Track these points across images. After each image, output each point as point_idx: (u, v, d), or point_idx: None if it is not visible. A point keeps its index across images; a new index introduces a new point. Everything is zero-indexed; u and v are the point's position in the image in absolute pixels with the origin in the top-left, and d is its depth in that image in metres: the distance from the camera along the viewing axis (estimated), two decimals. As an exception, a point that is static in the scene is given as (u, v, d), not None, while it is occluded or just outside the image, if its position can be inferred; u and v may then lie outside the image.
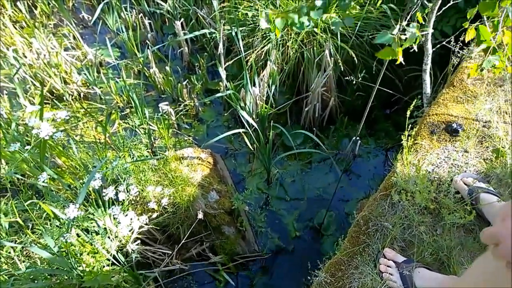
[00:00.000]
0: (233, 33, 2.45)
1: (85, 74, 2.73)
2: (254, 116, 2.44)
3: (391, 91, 2.43)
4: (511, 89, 1.79)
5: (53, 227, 1.45)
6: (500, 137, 1.58)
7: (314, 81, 2.37)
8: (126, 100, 2.77)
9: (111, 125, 2.64)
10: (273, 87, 2.44)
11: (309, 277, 1.41)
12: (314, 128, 2.63)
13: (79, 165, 1.82)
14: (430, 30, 1.70)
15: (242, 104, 2.40)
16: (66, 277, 1.39)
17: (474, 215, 1.23)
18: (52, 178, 1.55)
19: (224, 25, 2.65)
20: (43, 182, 1.40)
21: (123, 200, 1.49)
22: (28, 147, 1.54)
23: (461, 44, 1.77)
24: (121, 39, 3.00)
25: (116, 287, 1.53)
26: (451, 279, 1.16)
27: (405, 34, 1.24)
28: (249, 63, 2.45)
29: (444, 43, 1.87)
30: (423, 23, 1.41)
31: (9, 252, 1.38)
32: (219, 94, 2.48)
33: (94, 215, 1.51)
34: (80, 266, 1.42)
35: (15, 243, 1.41)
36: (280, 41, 2.46)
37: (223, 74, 2.48)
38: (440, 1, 1.60)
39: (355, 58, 2.30)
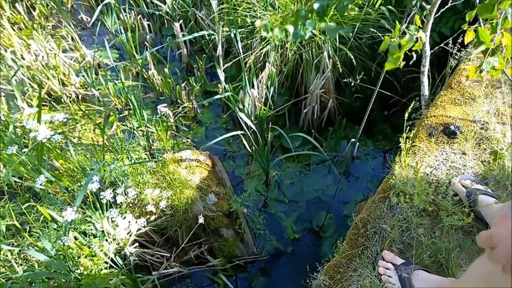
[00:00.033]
0: (232, 35, 2.45)
1: (83, 76, 2.73)
2: (252, 118, 2.44)
3: (389, 93, 2.43)
4: (509, 91, 1.79)
5: (51, 230, 1.44)
6: (498, 139, 1.58)
7: (313, 83, 2.37)
8: (125, 102, 2.77)
9: (109, 127, 2.64)
10: (272, 89, 2.44)
11: (308, 280, 1.41)
12: (312, 130, 2.63)
13: (76, 168, 1.81)
14: (428, 32, 1.70)
15: (241, 106, 2.39)
16: (63, 280, 1.38)
17: (473, 217, 1.23)
18: (49, 180, 1.55)
19: (223, 26, 2.65)
20: (41, 184, 1.39)
21: (121, 202, 1.48)
22: (25, 149, 1.53)
23: (459, 46, 1.77)
24: (119, 40, 2.99)
25: (114, 290, 1.52)
26: (450, 281, 1.16)
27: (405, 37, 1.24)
28: (247, 65, 2.45)
29: (442, 45, 1.87)
30: (421, 26, 1.41)
31: (7, 255, 1.37)
32: (217, 96, 2.48)
33: (92, 218, 1.51)
34: (77, 269, 1.42)
35: (12, 246, 1.40)
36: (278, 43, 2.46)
37: (221, 76, 2.48)
38: (438, 3, 1.60)
39: (354, 60, 2.31)
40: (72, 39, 3.11)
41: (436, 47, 1.92)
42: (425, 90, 1.98)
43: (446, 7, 1.66)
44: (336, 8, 1.29)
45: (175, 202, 1.81)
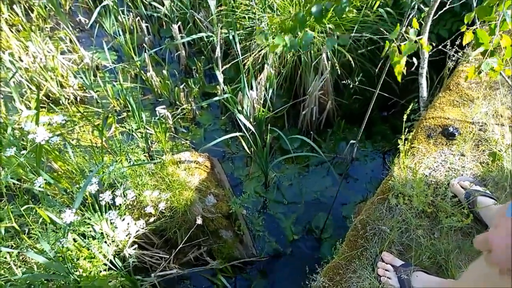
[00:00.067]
0: (231, 37, 2.45)
1: (81, 77, 2.72)
2: (251, 120, 2.44)
3: (388, 95, 2.44)
4: (507, 93, 1.80)
5: (50, 232, 1.44)
6: (497, 141, 1.59)
7: (311, 85, 2.38)
8: (123, 103, 2.77)
9: (108, 129, 2.63)
10: (271, 91, 2.44)
11: (307, 281, 1.41)
12: (311, 132, 2.64)
13: (75, 170, 1.81)
14: (427, 34, 1.71)
15: (240, 108, 2.40)
16: (62, 282, 1.38)
17: (472, 219, 1.23)
18: (48, 182, 1.54)
19: (221, 28, 2.65)
20: (39, 186, 1.39)
21: (120, 204, 1.48)
22: (24, 151, 1.53)
23: (457, 48, 1.78)
24: (118, 42, 2.99)
25: (113, 292, 1.52)
26: (449, 282, 1.16)
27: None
28: (246, 67, 2.45)
29: (440, 46, 1.88)
30: (419, 29, 1.42)
31: (5, 257, 1.37)
32: (216, 98, 2.48)
33: (90, 219, 1.50)
34: (76, 271, 1.41)
35: (11, 248, 1.40)
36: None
37: (220, 77, 2.49)
38: (436, 5, 1.61)
39: (352, 62, 2.31)
40: (70, 41, 3.11)
41: (434, 49, 1.93)
42: (424, 91, 1.99)
43: (444, 9, 1.66)
44: (334, 11, 1.29)
45: (174, 203, 1.81)
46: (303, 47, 1.41)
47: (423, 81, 1.96)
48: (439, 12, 1.67)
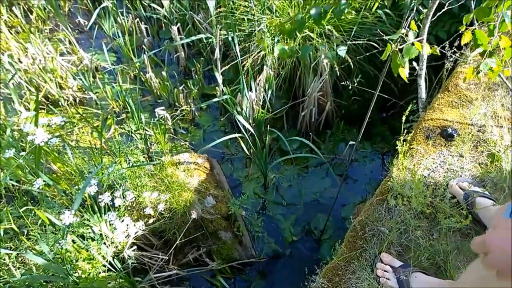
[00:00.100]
0: (230, 38, 2.46)
1: (80, 79, 2.72)
2: (250, 121, 2.44)
3: (387, 96, 2.44)
4: (506, 94, 1.81)
5: (49, 233, 1.44)
6: (495, 142, 1.59)
7: (310, 86, 2.38)
8: (122, 105, 2.77)
9: (107, 131, 2.63)
10: (270, 92, 2.45)
11: (306, 282, 1.41)
12: (310, 133, 2.64)
13: (74, 171, 1.81)
14: (425, 36, 1.71)
15: (239, 109, 2.40)
16: (61, 284, 1.38)
17: (470, 220, 1.23)
18: (47, 184, 1.54)
19: (220, 30, 2.66)
20: (38, 188, 1.39)
21: (119, 206, 1.48)
22: (23, 153, 1.53)
23: (455, 49, 1.79)
24: (117, 44, 2.99)
25: (112, 293, 1.52)
26: (448, 283, 1.16)
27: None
28: (245, 68, 2.46)
29: (439, 48, 1.88)
30: (417, 30, 1.43)
31: (4, 259, 1.36)
32: (215, 99, 2.48)
33: (90, 221, 1.50)
34: (75, 272, 1.41)
35: (10, 249, 1.39)
36: (276, 45, 2.46)
37: (219, 79, 2.49)
38: (435, 7, 1.61)
39: (351, 63, 2.32)
40: (70, 42, 3.11)
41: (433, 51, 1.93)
42: (423, 93, 2.00)
43: (443, 10, 1.67)
44: (333, 12, 1.30)
45: (173, 205, 1.81)
46: (302, 58, 1.44)
47: (422, 83, 1.96)
48: (438, 14, 1.68)
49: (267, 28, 2.48)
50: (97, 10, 2.97)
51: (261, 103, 2.43)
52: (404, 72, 1.35)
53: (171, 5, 3.05)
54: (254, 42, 2.56)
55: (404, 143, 1.44)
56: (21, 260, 1.47)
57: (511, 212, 0.67)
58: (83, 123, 2.64)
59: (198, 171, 2.05)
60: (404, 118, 1.42)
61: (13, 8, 3.09)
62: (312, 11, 1.28)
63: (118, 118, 2.74)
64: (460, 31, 1.34)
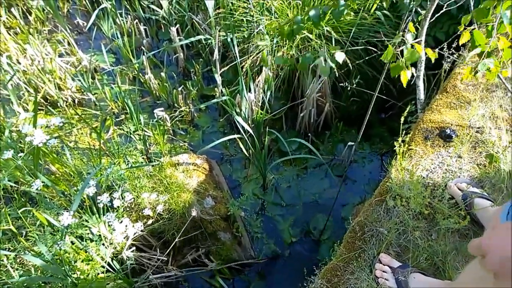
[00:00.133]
0: (229, 39, 2.46)
1: (79, 80, 2.72)
2: (249, 122, 2.44)
3: (385, 97, 2.45)
4: (504, 95, 1.81)
5: (47, 235, 1.43)
6: (494, 143, 1.60)
7: (309, 87, 2.38)
8: (121, 106, 2.77)
9: (106, 131, 2.63)
10: (269, 93, 2.45)
11: (305, 283, 1.41)
12: (309, 134, 2.64)
13: (73, 172, 1.81)
14: (423, 37, 1.72)
15: (238, 110, 2.40)
16: (60, 285, 1.37)
17: (469, 220, 1.23)
18: (46, 185, 1.54)
19: (219, 31, 2.66)
20: (37, 189, 1.39)
21: (118, 207, 1.48)
22: (21, 154, 1.53)
23: (453, 50, 1.79)
24: (116, 45, 3.00)
25: (110, 294, 1.52)
26: (446, 283, 1.16)
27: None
28: (244, 69, 2.46)
29: (437, 49, 1.89)
30: (416, 32, 1.44)
31: (3, 260, 1.36)
32: (214, 100, 2.48)
33: (88, 222, 1.50)
34: (74, 273, 1.41)
35: (8, 250, 1.39)
36: (275, 47, 2.47)
37: (218, 80, 2.49)
38: (433, 8, 1.62)
39: (350, 64, 2.32)
40: (68, 43, 3.11)
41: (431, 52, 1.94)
42: (421, 94, 2.00)
43: (441, 12, 1.67)
44: (332, 14, 1.30)
45: (172, 206, 1.81)
46: (302, 67, 1.45)
47: (420, 83, 1.97)
48: (436, 15, 1.68)
49: (266, 29, 2.49)
50: (96, 11, 2.97)
51: (260, 104, 2.43)
52: (406, 75, 1.36)
53: (170, 6, 3.06)
54: (253, 43, 2.56)
55: (403, 144, 1.45)
56: (20, 261, 1.47)
57: (507, 214, 0.68)
58: (82, 124, 2.64)
59: (197, 172, 2.05)
60: (402, 119, 1.43)
61: (12, 9, 3.09)
62: (311, 13, 1.28)
63: (117, 119, 2.74)
64: (458, 32, 1.35)
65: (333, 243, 1.53)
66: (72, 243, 1.47)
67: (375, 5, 2.11)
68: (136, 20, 3.20)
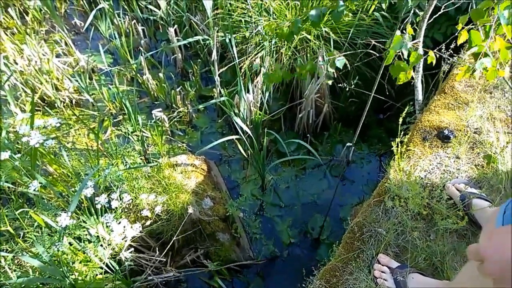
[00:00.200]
0: (227, 40, 2.46)
1: (77, 80, 2.71)
2: (248, 123, 2.44)
3: (383, 98, 2.45)
4: (501, 96, 1.82)
5: (45, 236, 1.43)
6: (491, 143, 1.60)
7: (308, 88, 2.38)
8: (119, 106, 2.76)
9: (104, 132, 2.62)
10: (267, 94, 2.45)
11: (304, 284, 1.41)
12: (308, 135, 2.64)
13: (71, 173, 1.80)
14: (422, 38, 1.72)
15: (236, 111, 2.40)
16: (58, 286, 1.37)
17: (467, 221, 1.24)
18: (43, 186, 1.53)
19: (217, 31, 2.66)
20: (34, 190, 1.38)
21: (116, 208, 1.47)
22: (18, 155, 1.52)
23: (452, 51, 1.80)
24: (113, 45, 2.99)
25: (109, 296, 1.51)
26: (445, 283, 1.17)
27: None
28: (243, 70, 2.46)
29: (435, 50, 1.90)
30: (414, 34, 1.44)
31: (0, 261, 1.35)
32: (213, 101, 2.48)
33: (86, 223, 1.50)
34: (72, 274, 1.41)
35: (6, 252, 1.38)
36: (273, 48, 2.47)
37: (217, 80, 2.49)
38: (431, 10, 1.62)
39: (348, 65, 2.32)
40: (66, 44, 3.10)
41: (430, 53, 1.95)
42: (419, 95, 2.01)
43: (439, 13, 1.68)
44: (331, 15, 1.30)
45: (170, 206, 1.81)
46: (301, 76, 1.47)
47: (419, 84, 1.97)
48: (434, 16, 1.69)
49: (265, 30, 2.49)
50: (93, 12, 2.96)
51: (258, 105, 2.43)
52: (409, 76, 1.37)
53: (168, 7, 3.05)
54: (252, 44, 2.56)
55: (401, 144, 1.45)
56: (17, 262, 1.46)
57: (503, 214, 0.68)
58: (80, 124, 2.63)
59: (195, 173, 2.05)
60: (401, 120, 1.43)
61: (9, 9, 3.07)
62: (312, 12, 1.28)
63: (115, 120, 2.73)
64: (456, 33, 1.35)
65: (332, 244, 1.53)
66: (70, 244, 1.46)
67: (373, 6, 2.11)
68: (134, 21, 3.19)
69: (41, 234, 1.45)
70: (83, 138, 2.55)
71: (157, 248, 1.83)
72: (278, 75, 1.54)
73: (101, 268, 1.46)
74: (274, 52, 2.49)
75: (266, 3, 2.55)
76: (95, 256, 1.44)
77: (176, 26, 2.97)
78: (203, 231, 1.91)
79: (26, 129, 1.47)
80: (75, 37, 3.45)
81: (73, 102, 2.83)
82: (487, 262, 0.62)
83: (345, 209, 2.31)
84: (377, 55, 1.86)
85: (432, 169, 1.57)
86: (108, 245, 1.45)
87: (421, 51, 1.88)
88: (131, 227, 1.44)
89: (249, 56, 2.54)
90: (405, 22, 1.53)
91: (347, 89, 2.21)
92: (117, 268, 1.50)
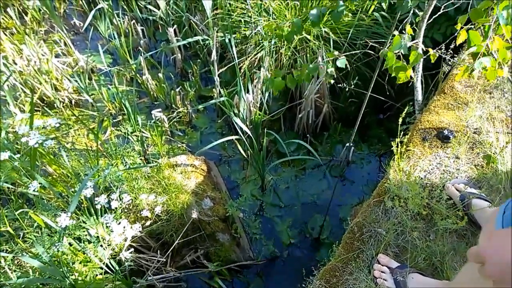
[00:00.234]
0: (226, 40, 2.46)
1: (76, 81, 2.71)
2: (247, 123, 2.44)
3: (383, 98, 2.45)
4: (501, 96, 1.82)
5: (45, 236, 1.43)
6: (491, 143, 1.61)
7: (308, 88, 2.39)
8: (119, 107, 2.76)
9: (103, 133, 2.62)
10: (267, 94, 2.45)
11: (304, 284, 1.41)
12: (308, 135, 2.64)
13: (70, 173, 1.80)
14: (421, 38, 1.73)
15: (236, 111, 2.40)
16: (58, 286, 1.37)
17: (466, 221, 1.24)
18: (43, 186, 1.53)
19: (217, 31, 2.66)
20: (34, 190, 1.38)
21: (116, 208, 1.47)
22: (18, 155, 1.52)
23: (451, 51, 1.80)
24: (113, 45, 2.99)
25: (109, 296, 1.51)
26: (444, 283, 1.17)
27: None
28: (242, 70, 2.46)
29: (435, 50, 1.90)
30: (413, 34, 1.44)
31: (0, 262, 1.35)
32: (212, 101, 2.48)
33: (86, 223, 1.50)
34: (72, 275, 1.40)
35: (6, 252, 1.38)
36: (273, 48, 2.47)
37: (216, 80, 2.49)
38: (431, 10, 1.62)
39: (348, 65, 2.33)
40: (65, 44, 3.10)
41: (429, 54, 1.95)
42: (419, 95, 2.01)
43: (439, 13, 1.68)
44: (331, 15, 1.31)
45: (170, 207, 1.81)
46: (303, 79, 1.48)
47: (418, 85, 1.98)
48: (434, 16, 1.69)
49: (264, 30, 2.49)
50: (92, 12, 2.96)
51: (258, 105, 2.43)
52: (408, 75, 1.37)
53: (168, 7, 3.05)
54: (251, 44, 2.56)
55: (401, 145, 1.45)
56: (17, 263, 1.46)
57: (503, 214, 0.68)
58: (79, 125, 2.62)
59: (195, 173, 2.05)
60: (400, 120, 1.43)
61: (8, 9, 3.07)
62: (312, 12, 1.28)
63: (114, 120, 2.73)
64: (455, 34, 1.36)
65: (332, 244, 1.53)
66: (70, 244, 1.46)
67: (373, 6, 2.12)
68: (133, 21, 3.19)
69: (41, 234, 1.45)
70: (83, 139, 2.55)
71: (156, 249, 1.84)
72: (281, 82, 1.54)
73: (101, 268, 1.46)
74: (274, 52, 2.49)
75: (265, 3, 2.55)
76: (95, 256, 1.44)
77: (175, 26, 2.97)
78: (203, 231, 1.91)
79: (26, 129, 1.47)
80: (74, 37, 3.44)
81: (73, 102, 2.82)
82: (487, 264, 0.63)
83: (345, 209, 2.31)
84: (377, 55, 1.86)
85: (431, 169, 1.57)
86: (108, 245, 1.45)
87: (420, 50, 1.88)
88: (131, 227, 1.44)
89: (248, 56, 2.54)
90: (404, 22, 1.53)
91: (347, 89, 2.21)
92: (117, 268, 1.50)
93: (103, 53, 2.80)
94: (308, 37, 2.39)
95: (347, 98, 2.63)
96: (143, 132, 2.50)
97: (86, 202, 1.50)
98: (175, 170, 2.01)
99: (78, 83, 2.71)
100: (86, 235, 1.53)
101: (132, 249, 1.61)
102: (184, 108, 2.76)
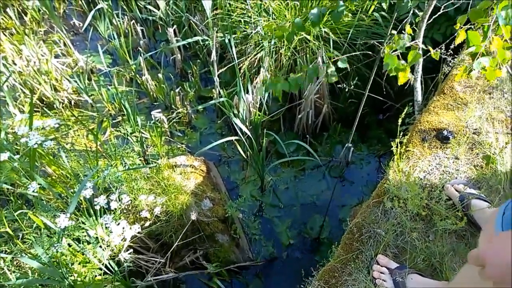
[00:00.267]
0: (226, 40, 2.46)
1: (75, 81, 2.71)
2: (247, 124, 2.44)
3: (383, 98, 2.45)
4: (501, 96, 1.82)
5: (44, 237, 1.43)
6: (490, 144, 1.61)
7: (307, 88, 2.38)
8: (118, 107, 2.76)
9: (103, 133, 2.62)
10: (266, 95, 2.45)
11: (303, 285, 1.41)
12: (307, 135, 2.64)
13: (70, 174, 1.80)
14: (421, 38, 1.73)
15: (235, 112, 2.40)
16: (57, 287, 1.37)
17: (466, 221, 1.24)
18: (42, 187, 1.53)
19: (217, 32, 2.66)
20: (33, 191, 1.38)
21: (115, 209, 1.47)
22: (17, 156, 1.52)
23: (451, 52, 1.80)
24: (112, 46, 2.99)
25: (108, 297, 1.51)
26: (443, 284, 1.17)
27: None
28: (242, 70, 2.46)
29: (434, 51, 1.90)
30: (413, 34, 1.44)
31: (-1, 263, 1.35)
32: (212, 102, 2.48)
33: (85, 224, 1.50)
34: (71, 276, 1.40)
35: (5, 253, 1.38)
36: (273, 48, 2.47)
37: (216, 81, 2.49)
38: (430, 10, 1.62)
39: (348, 66, 2.32)
40: (65, 44, 3.09)
41: (429, 53, 1.95)
42: (418, 95, 2.01)
43: (438, 13, 1.68)
44: (331, 15, 1.31)
45: (170, 208, 1.80)
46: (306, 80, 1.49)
47: (418, 85, 1.98)
48: (434, 17, 1.69)
49: (264, 30, 2.49)
50: (92, 12, 2.96)
51: (257, 105, 2.43)
52: (407, 76, 1.37)
53: (167, 7, 3.05)
54: (251, 44, 2.56)
55: (400, 145, 1.45)
56: (17, 263, 1.46)
57: (502, 221, 0.68)
58: (78, 125, 2.62)
59: (194, 174, 2.05)
60: (400, 120, 1.43)
61: (7, 9, 3.07)
62: (313, 11, 1.29)
63: (114, 121, 2.73)
64: (455, 34, 1.36)
65: (331, 245, 1.53)
66: (69, 245, 1.46)
67: (372, 7, 2.12)
68: (133, 21, 3.19)
69: (40, 235, 1.45)
70: (82, 139, 2.54)
71: (156, 249, 1.83)
72: (285, 85, 1.54)
73: (100, 269, 1.46)
74: (274, 52, 2.49)
75: (265, 3, 2.55)
76: (94, 257, 1.44)
77: (175, 26, 2.97)
78: (202, 232, 1.91)
79: (25, 130, 1.46)
80: (74, 37, 3.44)
81: (72, 103, 2.82)
82: (487, 266, 0.63)
83: (344, 210, 2.31)
84: (376, 56, 1.86)
85: (431, 169, 1.57)
86: (107, 246, 1.45)
87: (420, 51, 1.88)
88: (130, 228, 1.44)
89: (248, 57, 2.54)
90: (404, 22, 1.53)
91: (347, 89, 2.21)
92: (116, 269, 1.50)
93: (102, 53, 2.80)
94: (308, 37, 2.39)
95: (347, 99, 2.63)
96: (143, 133, 2.50)
97: (86, 203, 1.50)
98: (174, 171, 2.01)
99: (78, 84, 2.71)
100: (85, 236, 1.52)
101: (131, 250, 1.61)
102: (183, 109, 2.76)
